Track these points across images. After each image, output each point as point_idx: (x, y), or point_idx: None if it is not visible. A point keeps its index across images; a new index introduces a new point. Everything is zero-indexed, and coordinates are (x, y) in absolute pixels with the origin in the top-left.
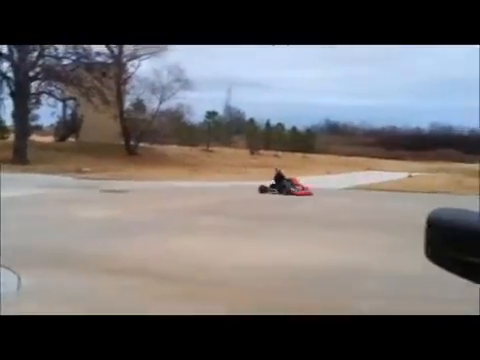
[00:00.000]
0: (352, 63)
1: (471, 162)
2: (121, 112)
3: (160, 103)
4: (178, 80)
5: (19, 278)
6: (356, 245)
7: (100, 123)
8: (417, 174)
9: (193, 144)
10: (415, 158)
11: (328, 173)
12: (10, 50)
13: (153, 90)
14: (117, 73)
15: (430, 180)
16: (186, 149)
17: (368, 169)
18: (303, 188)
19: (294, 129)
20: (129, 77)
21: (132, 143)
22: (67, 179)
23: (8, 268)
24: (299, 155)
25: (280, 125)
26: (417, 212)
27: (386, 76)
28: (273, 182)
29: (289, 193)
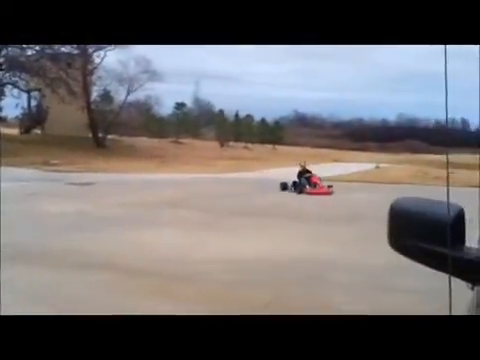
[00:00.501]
0: (318, 57)
1: (437, 153)
2: (88, 103)
3: (128, 94)
4: (145, 71)
5: None
6: (330, 238)
7: (66, 115)
8: (385, 165)
9: (162, 136)
10: (381, 149)
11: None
12: None
13: (120, 81)
14: (83, 64)
15: (397, 171)
16: (155, 141)
17: (335, 160)
18: (321, 187)
19: (263, 121)
20: (95, 68)
21: (100, 135)
22: (34, 172)
23: None
24: (269, 147)
25: (249, 117)
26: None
27: (353, 70)
28: (296, 180)
29: (302, 192)
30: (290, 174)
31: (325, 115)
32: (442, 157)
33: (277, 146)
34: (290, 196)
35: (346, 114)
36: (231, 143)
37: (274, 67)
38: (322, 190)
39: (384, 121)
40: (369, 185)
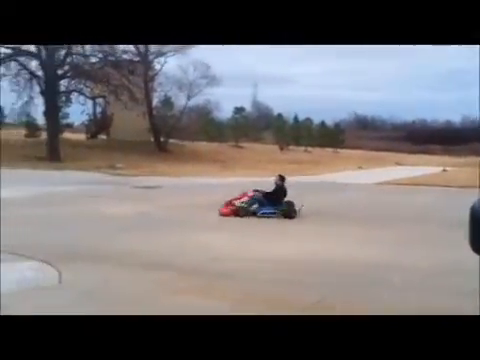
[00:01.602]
0: (370, 57)
1: None
2: (150, 109)
3: (188, 99)
4: (204, 76)
5: (60, 273)
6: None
7: (129, 120)
8: (451, 168)
9: (222, 140)
10: (445, 152)
11: (360, 168)
12: (38, 48)
13: (180, 87)
14: (144, 71)
15: (467, 174)
16: (216, 145)
17: (398, 163)
18: (227, 205)
19: (323, 124)
20: (156, 74)
21: (162, 140)
22: (100, 176)
23: (48, 263)
24: (329, 150)
25: (308, 120)
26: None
27: (406, 69)
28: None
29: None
30: (354, 176)
31: (385, 117)
32: None
33: (338, 149)
34: (344, 197)
35: (407, 115)
36: (291, 147)
37: (326, 67)
38: (225, 209)
39: (448, 122)
40: (439, 189)
